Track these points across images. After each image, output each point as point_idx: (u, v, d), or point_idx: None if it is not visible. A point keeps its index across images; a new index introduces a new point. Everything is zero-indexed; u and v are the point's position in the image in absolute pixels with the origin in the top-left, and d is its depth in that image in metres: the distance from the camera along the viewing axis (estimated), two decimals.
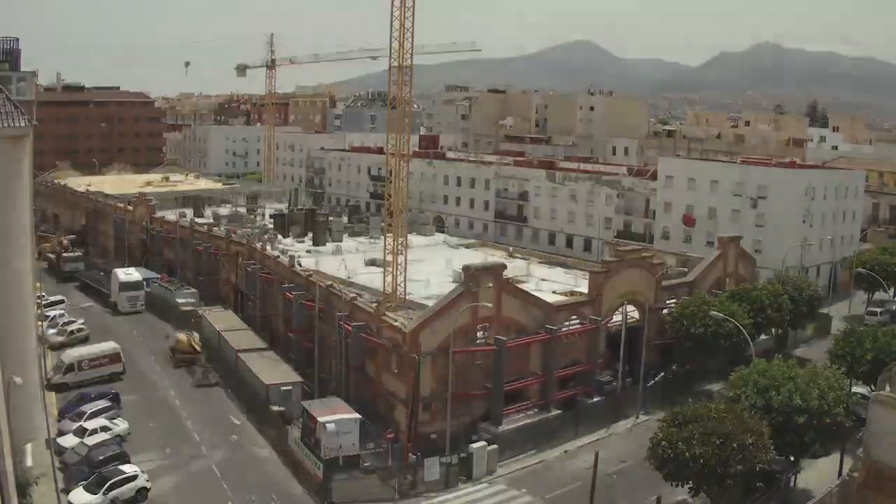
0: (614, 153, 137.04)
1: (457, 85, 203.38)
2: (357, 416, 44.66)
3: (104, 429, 45.58)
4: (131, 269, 76.33)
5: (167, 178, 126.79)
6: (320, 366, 53.87)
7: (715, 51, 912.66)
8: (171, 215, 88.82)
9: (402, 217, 54.43)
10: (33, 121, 35.03)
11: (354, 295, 53.31)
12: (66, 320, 66.24)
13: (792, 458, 40.99)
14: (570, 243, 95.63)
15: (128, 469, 40.41)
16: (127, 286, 73.45)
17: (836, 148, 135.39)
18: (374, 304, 51.12)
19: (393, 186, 54.46)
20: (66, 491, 39.52)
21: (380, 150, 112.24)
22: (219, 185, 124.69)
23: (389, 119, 57.36)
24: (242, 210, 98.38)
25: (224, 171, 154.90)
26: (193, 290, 74.46)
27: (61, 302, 72.29)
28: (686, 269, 65.85)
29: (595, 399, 52.31)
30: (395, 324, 47.56)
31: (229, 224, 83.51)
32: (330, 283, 56.35)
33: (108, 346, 57.49)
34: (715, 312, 50.47)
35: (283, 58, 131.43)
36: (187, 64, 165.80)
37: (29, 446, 37.61)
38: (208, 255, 76.63)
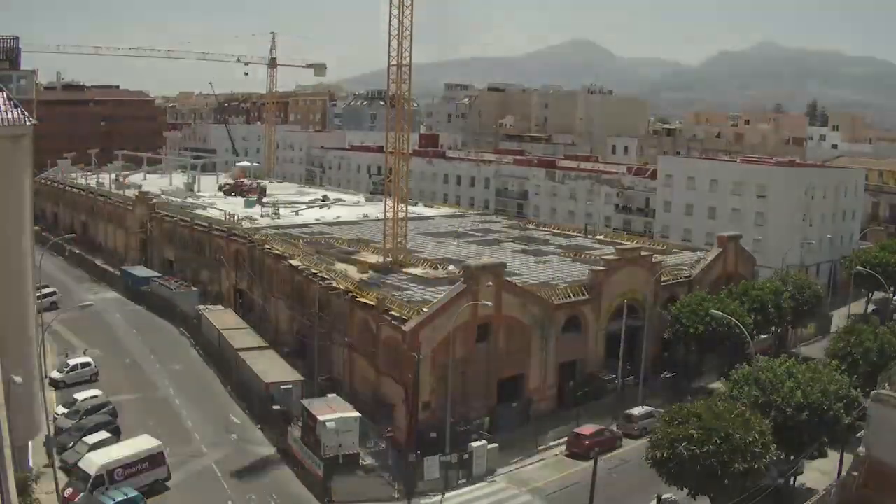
0: (614, 152, 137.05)
1: (457, 83, 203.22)
2: (357, 414, 44.68)
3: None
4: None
5: None
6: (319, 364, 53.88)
7: (715, 50, 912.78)
8: None
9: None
10: (33, 120, 35.04)
11: (353, 293, 53.22)
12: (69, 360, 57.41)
13: (792, 458, 40.95)
14: None
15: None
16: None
17: (835, 147, 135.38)
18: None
19: (393, 185, 54.51)
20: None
21: (379, 149, 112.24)
22: None
23: (388, 117, 57.41)
24: None
25: (225, 170, 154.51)
26: (194, 290, 74.46)
27: (53, 293, 71.80)
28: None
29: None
30: (395, 323, 47.57)
31: None
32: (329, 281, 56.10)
33: (146, 442, 42.22)
34: (715, 311, 50.43)
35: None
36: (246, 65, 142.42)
37: (29, 445, 37.63)
38: (209, 255, 76.62)
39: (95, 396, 50.35)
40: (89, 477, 38.76)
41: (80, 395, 50.18)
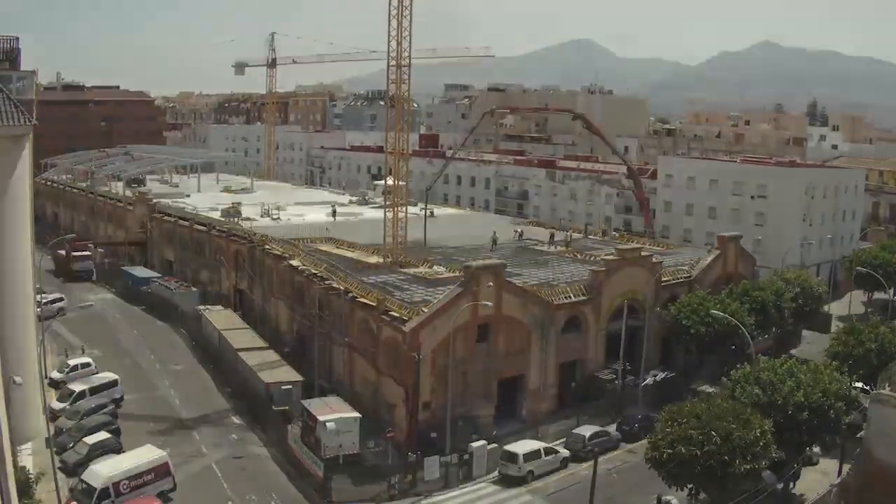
0: (614, 152, 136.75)
1: (457, 84, 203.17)
2: (357, 414, 44.64)
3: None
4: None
5: None
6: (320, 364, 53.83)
7: (715, 51, 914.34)
8: None
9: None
10: (33, 120, 35.07)
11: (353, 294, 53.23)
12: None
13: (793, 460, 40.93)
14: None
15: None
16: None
17: (835, 147, 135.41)
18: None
19: (393, 184, 54.52)
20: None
21: (379, 149, 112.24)
22: None
23: (388, 117, 57.42)
24: None
25: (225, 170, 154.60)
26: (194, 290, 74.40)
27: (61, 299, 71.84)
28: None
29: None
30: (395, 323, 47.53)
31: None
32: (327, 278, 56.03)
33: (151, 453, 40.83)
34: (715, 311, 50.37)
35: (285, 57, 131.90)
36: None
37: (29, 445, 37.64)
38: (209, 255, 76.59)
39: (88, 364, 55.04)
40: (94, 490, 37.03)
41: (72, 361, 55.35)
